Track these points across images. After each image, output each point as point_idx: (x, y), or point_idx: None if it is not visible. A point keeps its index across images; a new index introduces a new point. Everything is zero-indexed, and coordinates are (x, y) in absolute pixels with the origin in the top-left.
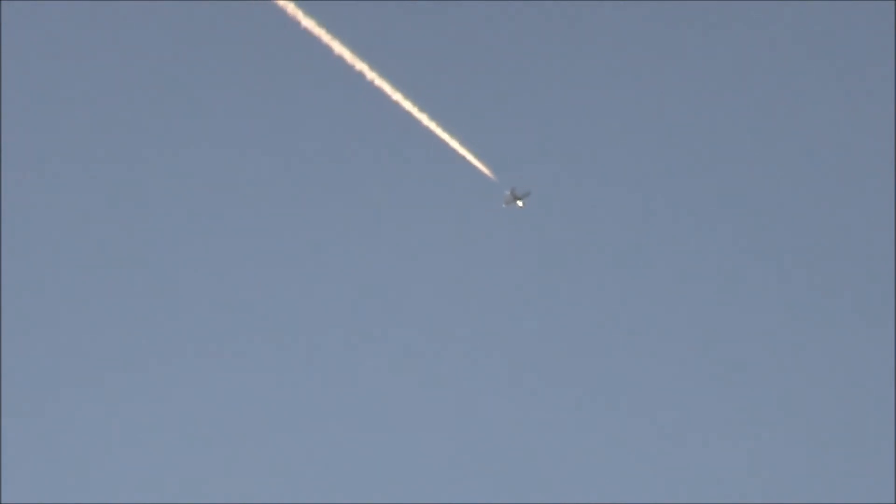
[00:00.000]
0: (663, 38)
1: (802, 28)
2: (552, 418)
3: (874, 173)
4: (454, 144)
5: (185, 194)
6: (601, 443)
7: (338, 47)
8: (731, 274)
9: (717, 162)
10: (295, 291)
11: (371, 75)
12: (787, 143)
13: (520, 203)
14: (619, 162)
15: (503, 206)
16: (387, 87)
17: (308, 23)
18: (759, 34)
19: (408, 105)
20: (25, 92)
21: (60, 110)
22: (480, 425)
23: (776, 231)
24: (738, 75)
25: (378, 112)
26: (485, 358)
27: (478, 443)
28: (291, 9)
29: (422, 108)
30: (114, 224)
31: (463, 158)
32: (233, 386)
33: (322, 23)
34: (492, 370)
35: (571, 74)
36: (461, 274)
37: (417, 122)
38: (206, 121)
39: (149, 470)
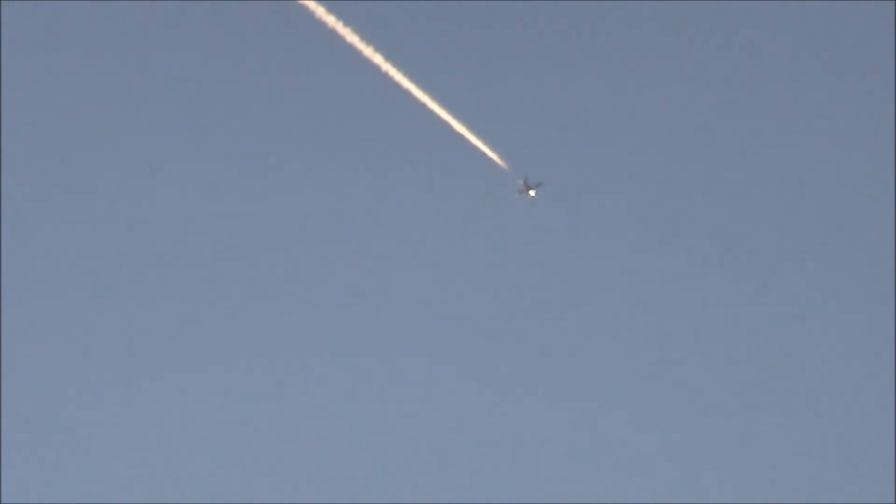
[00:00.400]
0: (669, 37)
1: (802, 28)
2: (553, 416)
3: (874, 173)
4: (467, 134)
5: (187, 194)
6: (603, 442)
7: (352, 38)
8: (732, 273)
9: (719, 163)
10: (304, 280)
11: (385, 66)
12: (788, 143)
13: (532, 193)
14: (628, 156)
15: (516, 195)
16: (401, 78)
17: (322, 14)
18: (760, 34)
19: (422, 95)
20: (25, 92)
21: (60, 110)
22: (483, 420)
23: (776, 230)
24: (738, 75)
25: (392, 102)
26: (493, 349)
27: (485, 440)
28: (309, 3)
29: (436, 99)
30: (115, 224)
31: (476, 148)
32: (233, 386)
33: (336, 14)
34: (499, 361)
35: (586, 66)
36: (472, 264)
37: (431, 112)
38: (209, 119)
39: (149, 470)
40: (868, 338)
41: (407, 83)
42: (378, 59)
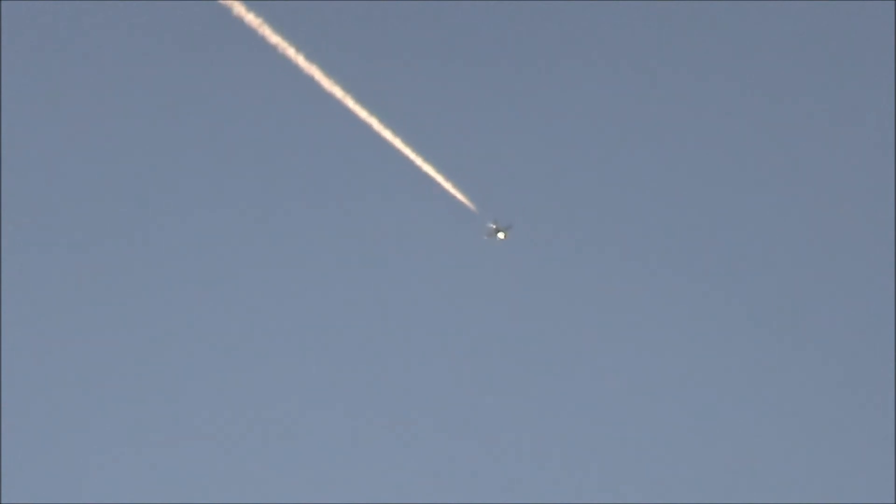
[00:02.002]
0: (653, 52)
1: (802, 28)
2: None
3: (874, 173)
4: (437, 176)
5: (185, 195)
6: (599, 442)
7: (319, 76)
8: (728, 274)
9: (715, 168)
10: (267, 321)
11: (354, 106)
12: (787, 144)
13: (502, 235)
14: (603, 191)
15: (485, 238)
16: (370, 118)
17: (289, 49)
18: (760, 34)
19: (391, 137)
20: (25, 92)
21: (60, 111)
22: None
23: (773, 231)
24: (737, 75)
25: (361, 144)
26: (461, 391)
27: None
28: (271, 35)
29: (406, 141)
30: (115, 225)
31: (446, 191)
32: (233, 387)
33: (301, 48)
34: (466, 405)
35: (557, 107)
36: (442, 305)
37: (400, 154)
38: (209, 119)
39: (149, 470)
40: (868, 337)
41: (377, 124)
42: (347, 100)
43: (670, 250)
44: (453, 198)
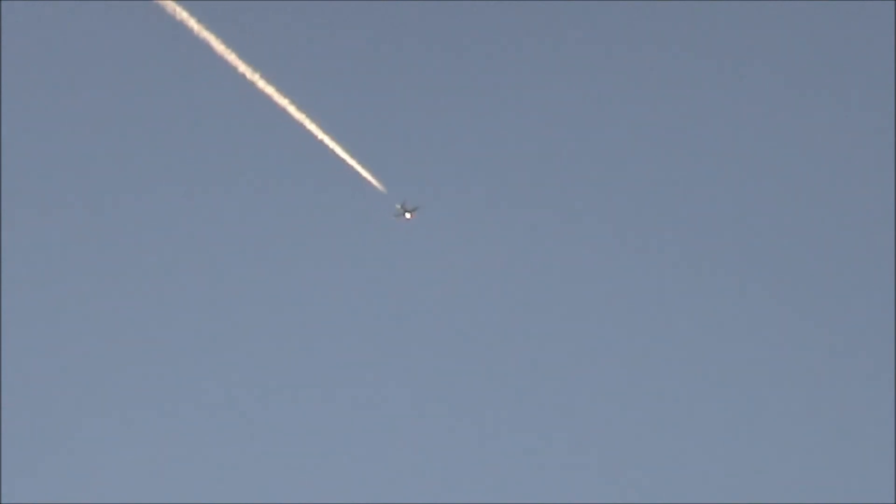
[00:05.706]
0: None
1: (802, 28)
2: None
3: (874, 173)
4: (346, 157)
5: (185, 195)
6: (601, 442)
7: (229, 55)
8: (725, 274)
9: (704, 166)
10: (180, 303)
11: (264, 86)
12: (786, 144)
13: (408, 216)
14: (519, 175)
15: (393, 218)
16: (280, 99)
17: (195, 25)
18: (760, 34)
19: (301, 116)
20: (25, 92)
21: (60, 111)
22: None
23: (771, 232)
24: (736, 75)
25: (270, 123)
26: (368, 372)
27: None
28: (178, 12)
29: (314, 119)
30: (115, 226)
31: (355, 171)
32: (232, 387)
33: (213, 29)
34: (377, 383)
35: (464, 88)
36: (349, 283)
37: (310, 134)
38: (209, 119)
39: (149, 470)
40: (868, 337)
41: (286, 103)
42: (257, 79)
43: (670, 247)
44: (363, 178)
